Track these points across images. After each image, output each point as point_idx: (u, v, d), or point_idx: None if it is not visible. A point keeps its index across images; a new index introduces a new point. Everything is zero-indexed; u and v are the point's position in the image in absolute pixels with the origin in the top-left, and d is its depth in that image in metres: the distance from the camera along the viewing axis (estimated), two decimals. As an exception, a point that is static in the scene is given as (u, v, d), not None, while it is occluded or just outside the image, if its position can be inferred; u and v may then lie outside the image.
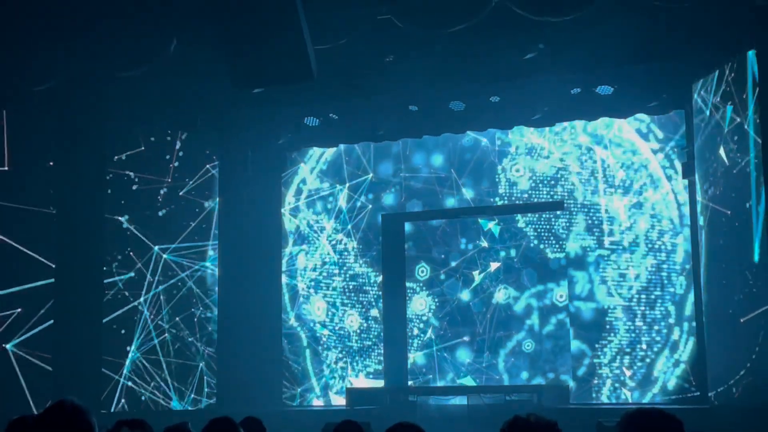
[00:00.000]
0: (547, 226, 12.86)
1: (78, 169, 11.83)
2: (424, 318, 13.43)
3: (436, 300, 13.39)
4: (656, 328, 12.03)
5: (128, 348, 12.07)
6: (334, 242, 13.81)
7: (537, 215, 12.93)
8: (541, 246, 12.85)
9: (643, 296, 12.14)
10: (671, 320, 11.96)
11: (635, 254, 12.23)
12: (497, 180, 13.07)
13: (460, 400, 12.46)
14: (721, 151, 10.53)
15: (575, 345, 12.45)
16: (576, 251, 12.57)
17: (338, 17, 9.09)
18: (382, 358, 13.44)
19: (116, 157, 12.26)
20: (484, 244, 13.19)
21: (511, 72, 11.14)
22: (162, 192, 12.63)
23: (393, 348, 13.42)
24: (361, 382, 13.49)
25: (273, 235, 13.80)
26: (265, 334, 13.40)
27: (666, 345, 11.95)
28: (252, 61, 8.44)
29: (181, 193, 12.81)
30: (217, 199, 13.16)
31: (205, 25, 8.81)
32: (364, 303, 13.63)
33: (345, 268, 13.77)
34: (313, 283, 13.84)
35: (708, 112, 10.85)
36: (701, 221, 11.14)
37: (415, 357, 13.41)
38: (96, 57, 9.81)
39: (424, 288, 13.48)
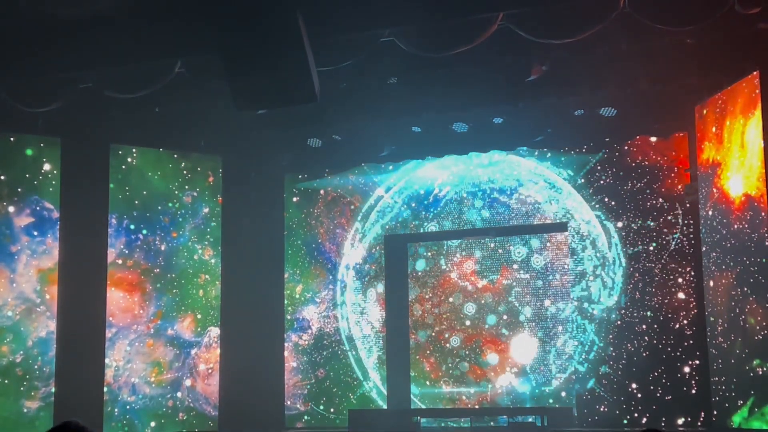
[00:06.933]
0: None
1: (82, 190, 11.85)
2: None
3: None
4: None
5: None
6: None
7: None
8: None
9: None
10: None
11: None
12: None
13: (463, 423, 12.40)
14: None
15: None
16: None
17: (342, 39, 9.09)
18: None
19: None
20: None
21: (515, 94, 11.13)
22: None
23: (396, 369, 13.36)
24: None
25: (276, 260, 13.70)
26: (268, 358, 13.33)
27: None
28: (255, 83, 8.42)
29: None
30: (220, 220, 13.11)
31: (208, 47, 8.79)
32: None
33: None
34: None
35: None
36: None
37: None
38: (100, 79, 9.83)
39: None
